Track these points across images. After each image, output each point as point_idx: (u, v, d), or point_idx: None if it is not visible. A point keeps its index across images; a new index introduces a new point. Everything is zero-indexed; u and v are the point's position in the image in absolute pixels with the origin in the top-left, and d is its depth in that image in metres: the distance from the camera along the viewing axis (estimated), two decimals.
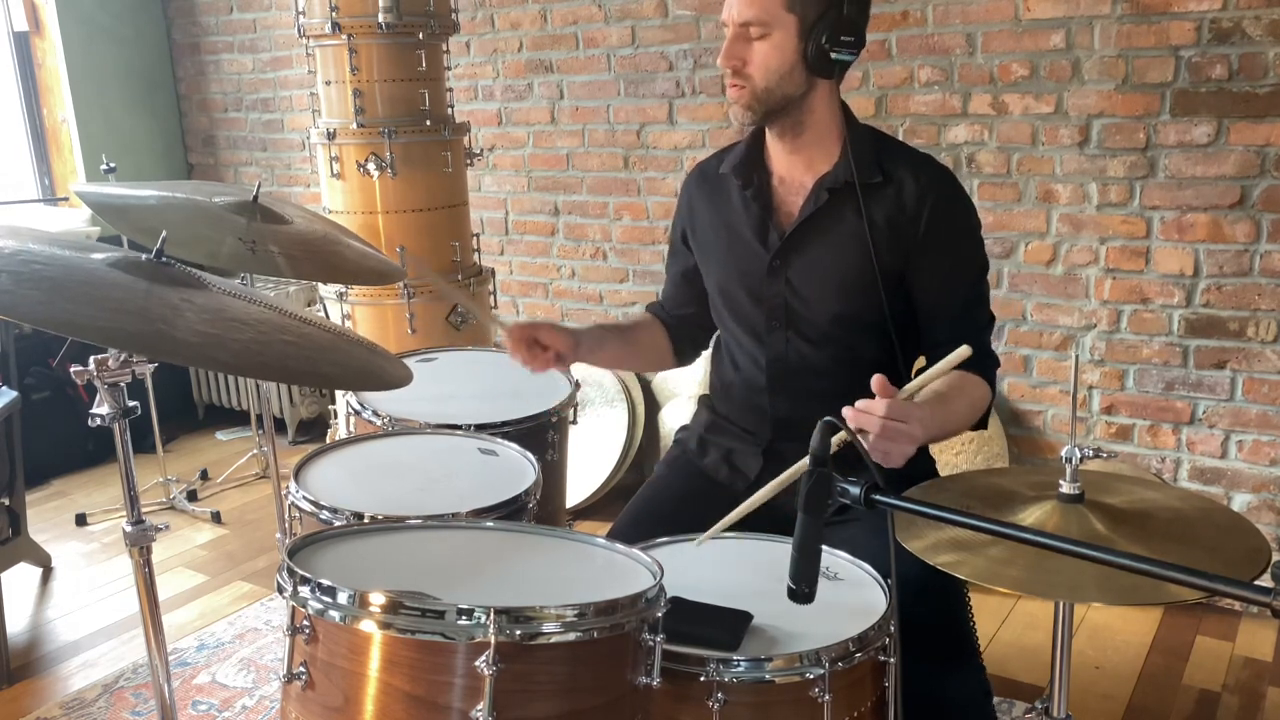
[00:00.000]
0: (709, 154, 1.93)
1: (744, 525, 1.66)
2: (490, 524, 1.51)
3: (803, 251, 1.71)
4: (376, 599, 1.14)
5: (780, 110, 1.65)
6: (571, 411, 2.14)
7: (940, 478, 1.55)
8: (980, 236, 1.74)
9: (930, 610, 1.55)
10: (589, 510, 3.41)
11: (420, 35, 2.89)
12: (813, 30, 1.58)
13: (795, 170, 1.73)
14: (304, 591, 1.19)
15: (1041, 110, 2.86)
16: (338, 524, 1.54)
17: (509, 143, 3.85)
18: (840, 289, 1.70)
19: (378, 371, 1.50)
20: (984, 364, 1.67)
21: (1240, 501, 2.79)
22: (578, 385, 2.16)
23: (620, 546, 1.42)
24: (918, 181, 1.66)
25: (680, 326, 1.98)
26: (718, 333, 1.94)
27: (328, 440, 2.44)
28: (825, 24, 1.58)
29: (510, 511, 1.64)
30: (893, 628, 1.37)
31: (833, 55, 1.59)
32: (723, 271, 1.82)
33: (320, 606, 1.18)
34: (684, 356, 2.02)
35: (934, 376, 1.39)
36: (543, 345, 1.80)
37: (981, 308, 1.74)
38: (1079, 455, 1.27)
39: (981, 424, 1.72)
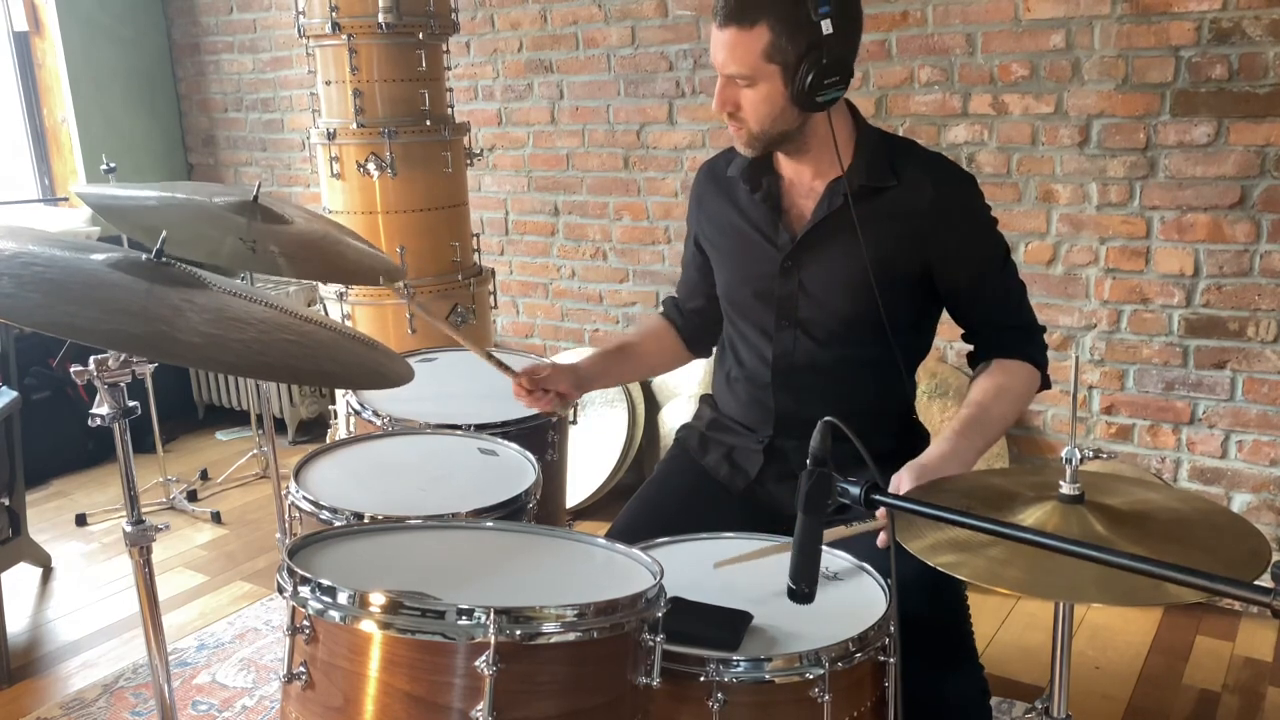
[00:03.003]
0: (709, 154, 1.94)
1: (744, 525, 1.67)
2: (490, 524, 1.51)
3: (816, 253, 1.72)
4: (376, 599, 1.14)
5: (781, 142, 1.68)
6: (571, 411, 2.14)
7: (940, 478, 1.55)
8: (997, 225, 1.77)
9: (930, 610, 1.55)
10: (589, 510, 3.41)
11: (420, 35, 2.89)
12: (795, 75, 1.58)
13: (804, 174, 1.73)
14: (304, 591, 1.19)
15: (1041, 110, 2.86)
16: (338, 524, 1.55)
17: (509, 143, 3.85)
18: (850, 290, 1.70)
19: (380, 369, 1.50)
20: (1028, 343, 1.72)
21: (1240, 501, 2.79)
22: None
23: (620, 546, 1.42)
24: (931, 181, 1.68)
25: (692, 321, 2.00)
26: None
27: (328, 440, 2.44)
28: (807, 69, 1.57)
29: (510, 511, 1.64)
30: (893, 628, 1.37)
31: (819, 98, 1.59)
32: (731, 270, 1.83)
33: (320, 606, 1.18)
34: (700, 349, 2.04)
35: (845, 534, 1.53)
36: (545, 389, 1.84)
37: (1014, 287, 1.76)
38: (1079, 456, 1.27)
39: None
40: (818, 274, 1.72)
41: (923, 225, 1.66)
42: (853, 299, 1.70)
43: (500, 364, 1.88)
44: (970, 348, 1.79)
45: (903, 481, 1.49)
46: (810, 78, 1.57)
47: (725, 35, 1.58)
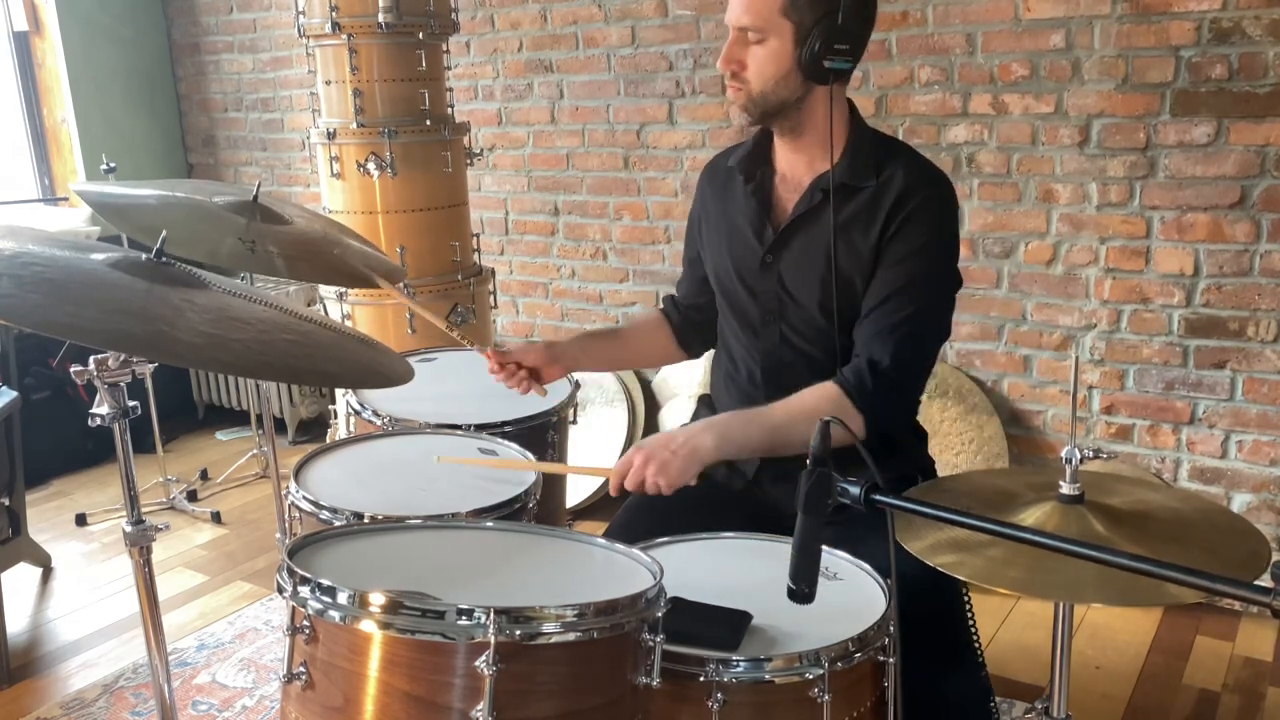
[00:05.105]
0: (709, 154, 1.94)
1: (743, 525, 1.67)
2: (490, 524, 1.51)
3: (793, 248, 1.73)
4: (376, 599, 1.14)
5: (777, 112, 1.67)
6: (571, 411, 2.14)
7: (940, 478, 1.56)
8: (942, 249, 1.68)
9: (930, 610, 1.55)
10: (589, 510, 3.41)
11: (420, 35, 2.89)
12: (808, 38, 1.59)
13: (797, 169, 1.74)
14: (304, 591, 1.19)
15: (1041, 110, 2.86)
16: (338, 524, 1.54)
17: (509, 143, 3.85)
18: (827, 287, 1.70)
19: (379, 368, 1.50)
20: (860, 385, 1.61)
21: (1240, 501, 2.79)
22: (578, 385, 2.16)
23: (620, 546, 1.42)
24: (904, 182, 1.66)
25: (689, 319, 2.00)
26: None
27: (328, 440, 2.44)
28: (820, 31, 1.58)
29: (510, 511, 1.64)
30: (892, 628, 1.37)
31: (826, 63, 1.59)
32: (722, 265, 1.83)
33: (320, 606, 1.18)
34: (692, 349, 2.04)
35: None
36: (517, 364, 1.88)
37: (899, 315, 1.63)
38: (1079, 456, 1.27)
39: (887, 442, 1.69)
40: (794, 269, 1.73)
41: (884, 220, 1.65)
42: (830, 296, 1.70)
43: (477, 345, 1.92)
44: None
45: (635, 452, 1.58)
46: (820, 42, 1.58)
47: None
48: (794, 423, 1.61)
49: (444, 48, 3.05)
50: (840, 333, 1.72)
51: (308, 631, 1.20)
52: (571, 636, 1.15)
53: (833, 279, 1.67)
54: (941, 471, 1.85)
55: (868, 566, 1.51)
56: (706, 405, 1.95)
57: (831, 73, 1.61)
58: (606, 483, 1.64)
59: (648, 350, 2.06)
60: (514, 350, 1.89)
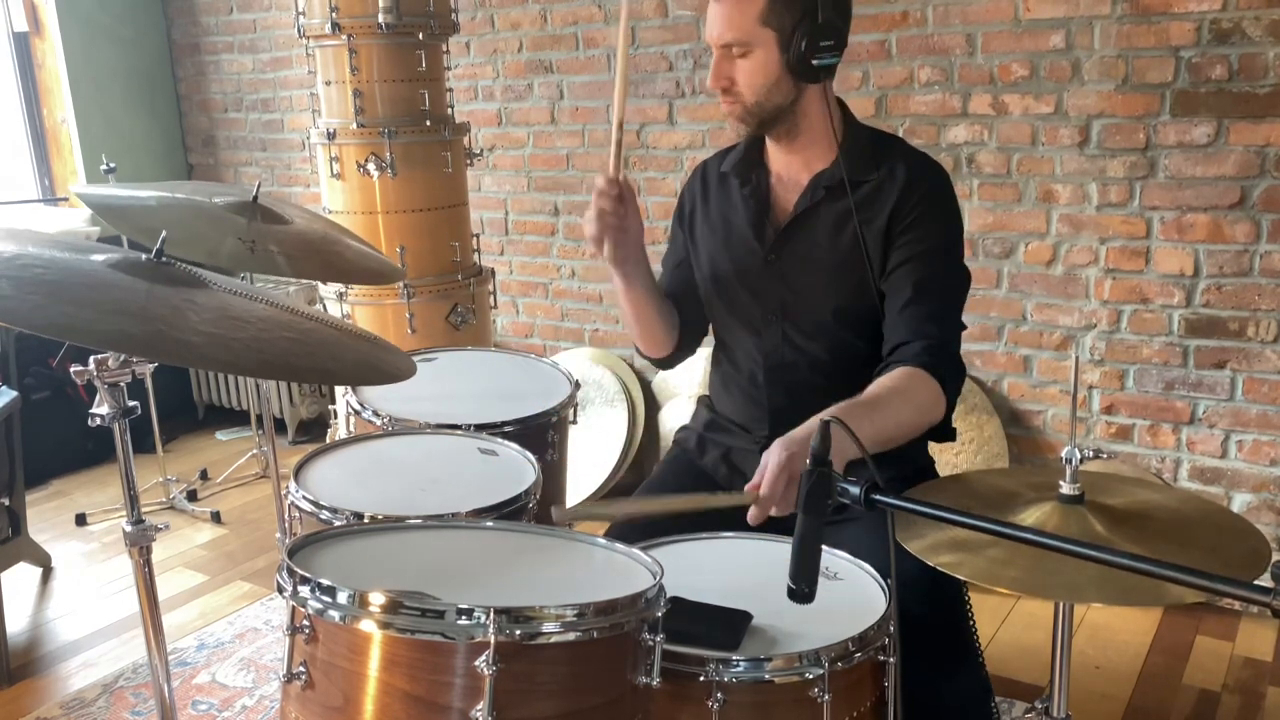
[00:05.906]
0: (708, 154, 1.94)
1: (744, 525, 1.66)
2: (490, 524, 1.51)
3: (797, 246, 1.73)
4: (376, 599, 1.14)
5: (774, 119, 1.68)
6: (571, 411, 2.14)
7: (940, 478, 1.55)
8: (957, 240, 1.71)
9: (930, 610, 1.55)
10: None
11: (420, 35, 2.89)
12: (791, 41, 1.61)
13: (793, 168, 1.75)
14: (304, 591, 1.19)
15: (1041, 110, 2.86)
16: (338, 524, 1.54)
17: (509, 143, 3.85)
18: (833, 282, 1.71)
19: (380, 364, 1.50)
20: (936, 364, 1.59)
21: (1240, 501, 2.79)
22: (578, 385, 2.16)
23: (620, 546, 1.42)
24: (907, 174, 1.68)
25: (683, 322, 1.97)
26: (710, 337, 1.94)
27: (328, 440, 2.44)
28: (802, 33, 1.60)
29: (510, 511, 1.64)
30: (892, 628, 1.37)
31: (814, 62, 1.61)
32: (720, 267, 1.83)
33: (320, 606, 1.18)
34: (678, 354, 1.95)
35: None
36: (625, 211, 1.77)
37: (939, 302, 1.66)
38: (1079, 456, 1.27)
39: (943, 433, 1.68)
40: (799, 267, 1.73)
41: (891, 215, 1.66)
42: (836, 291, 1.71)
43: (619, 148, 1.76)
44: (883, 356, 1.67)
45: (772, 454, 1.41)
46: (805, 42, 1.59)
47: (722, 4, 1.62)
48: (905, 414, 1.55)
49: (444, 48, 3.05)
50: (850, 330, 1.72)
51: (308, 631, 1.20)
52: (571, 636, 1.15)
53: (870, 270, 1.66)
54: (941, 471, 1.85)
55: (868, 566, 1.51)
56: (705, 406, 1.95)
57: (821, 70, 1.63)
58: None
59: (661, 328, 1.90)
60: (631, 199, 1.79)
